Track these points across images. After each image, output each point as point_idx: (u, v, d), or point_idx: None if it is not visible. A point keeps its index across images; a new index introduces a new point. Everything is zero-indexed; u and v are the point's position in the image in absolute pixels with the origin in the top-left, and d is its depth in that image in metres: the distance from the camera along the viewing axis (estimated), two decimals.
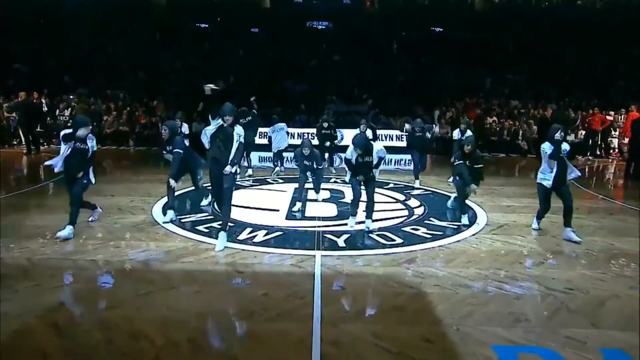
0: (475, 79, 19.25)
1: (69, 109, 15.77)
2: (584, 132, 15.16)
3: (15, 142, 14.35)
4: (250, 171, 9.96)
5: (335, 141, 10.89)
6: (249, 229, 5.85)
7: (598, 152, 14.90)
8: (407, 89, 18.47)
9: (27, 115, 13.31)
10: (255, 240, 5.48)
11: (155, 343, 3.23)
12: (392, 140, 15.18)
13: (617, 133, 14.92)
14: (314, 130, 12.29)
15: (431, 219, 6.60)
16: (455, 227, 6.20)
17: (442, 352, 3.20)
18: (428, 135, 9.21)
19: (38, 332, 3.35)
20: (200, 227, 5.93)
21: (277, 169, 10.01)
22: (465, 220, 6.29)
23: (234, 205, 6.96)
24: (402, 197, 7.94)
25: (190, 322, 3.52)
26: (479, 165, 6.44)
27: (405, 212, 6.89)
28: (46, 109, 14.68)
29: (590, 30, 20.79)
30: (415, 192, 8.32)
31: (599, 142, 14.93)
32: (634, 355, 3.17)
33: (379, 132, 13.30)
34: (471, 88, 18.38)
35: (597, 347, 3.23)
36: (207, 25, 23.20)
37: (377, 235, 5.75)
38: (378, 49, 21.16)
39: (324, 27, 23.95)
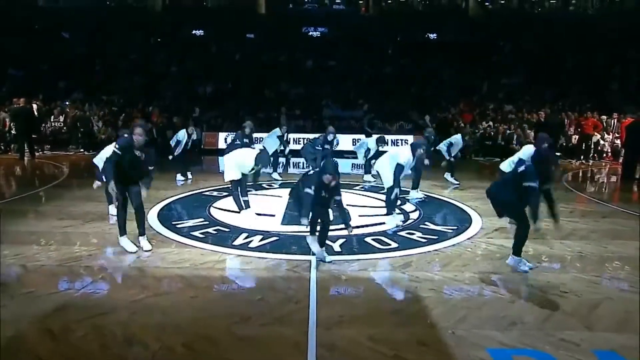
0: (470, 83, 19.38)
1: (64, 115, 15.75)
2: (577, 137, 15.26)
3: (10, 149, 14.25)
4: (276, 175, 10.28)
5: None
6: (244, 234, 5.85)
7: (592, 156, 14.99)
8: (403, 93, 18.58)
9: (25, 121, 13.25)
10: (251, 245, 5.48)
11: (150, 348, 3.23)
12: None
13: (610, 137, 15.03)
14: (309, 136, 12.50)
15: (426, 223, 6.63)
16: (451, 231, 6.22)
17: (437, 355, 3.22)
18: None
19: (33, 339, 3.34)
20: (196, 233, 5.93)
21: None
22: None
23: (229, 211, 6.99)
24: (397, 202, 7.94)
25: (186, 327, 3.52)
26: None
27: (401, 217, 6.90)
28: (37, 114, 14.60)
29: (583, 34, 21.03)
30: (410, 196, 8.32)
31: (592, 146, 15.02)
32: (628, 357, 3.19)
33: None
34: (466, 92, 18.51)
35: (591, 350, 3.26)
36: (202, 31, 23.28)
37: (373, 239, 5.76)
38: (373, 53, 21.30)
39: (319, 32, 24.07)
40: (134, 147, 5.02)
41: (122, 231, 5.26)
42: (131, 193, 5.17)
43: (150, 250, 5.19)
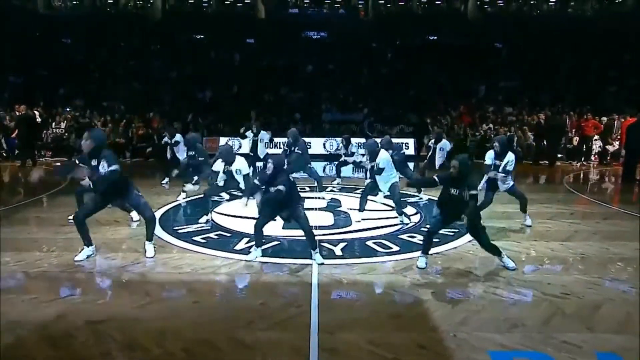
0: (469, 86, 19.41)
1: (65, 122, 15.79)
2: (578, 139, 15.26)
3: (12, 154, 14.24)
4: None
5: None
6: (246, 239, 5.85)
7: (592, 158, 14.99)
8: (402, 96, 18.61)
9: (27, 129, 13.30)
10: (253, 250, 5.47)
11: (151, 353, 3.23)
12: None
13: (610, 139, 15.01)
14: (307, 139, 12.50)
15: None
16: (452, 234, 6.21)
17: (438, 358, 3.21)
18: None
19: (35, 345, 3.34)
20: (197, 238, 5.94)
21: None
22: None
23: (231, 216, 7.00)
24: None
25: (187, 333, 3.52)
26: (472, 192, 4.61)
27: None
28: (39, 120, 14.62)
29: (581, 37, 21.07)
30: (412, 199, 8.33)
31: (593, 148, 15.02)
32: (630, 359, 3.19)
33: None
34: (466, 95, 18.54)
35: (593, 351, 3.25)
36: (202, 37, 23.36)
37: (374, 243, 5.77)
38: (373, 57, 21.36)
39: (319, 36, 24.16)
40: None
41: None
42: (138, 208, 5.35)
43: (152, 257, 5.20)
